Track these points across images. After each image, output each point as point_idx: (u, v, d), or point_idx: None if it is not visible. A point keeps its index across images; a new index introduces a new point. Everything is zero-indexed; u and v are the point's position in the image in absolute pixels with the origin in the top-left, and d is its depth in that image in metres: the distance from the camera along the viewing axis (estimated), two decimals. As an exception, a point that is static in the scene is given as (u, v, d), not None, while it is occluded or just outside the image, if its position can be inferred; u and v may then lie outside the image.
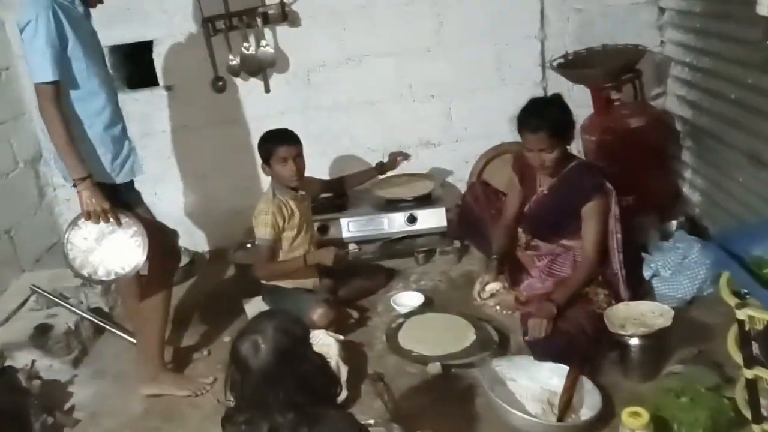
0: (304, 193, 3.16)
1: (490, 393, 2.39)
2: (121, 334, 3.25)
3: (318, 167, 3.87)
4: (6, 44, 3.70)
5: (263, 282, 3.18)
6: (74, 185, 2.44)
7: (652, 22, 3.67)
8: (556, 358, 2.56)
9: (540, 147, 2.76)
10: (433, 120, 3.89)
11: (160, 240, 2.69)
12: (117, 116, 2.62)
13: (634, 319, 2.58)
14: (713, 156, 3.25)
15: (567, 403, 2.39)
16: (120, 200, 2.59)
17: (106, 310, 3.49)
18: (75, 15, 2.44)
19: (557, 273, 2.94)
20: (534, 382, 2.56)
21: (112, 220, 2.49)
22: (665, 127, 3.53)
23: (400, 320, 3.03)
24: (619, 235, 2.81)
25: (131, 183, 2.72)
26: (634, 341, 2.51)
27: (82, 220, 2.50)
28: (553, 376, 2.54)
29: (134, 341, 3.11)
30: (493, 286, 2.95)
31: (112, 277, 2.57)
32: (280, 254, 3.10)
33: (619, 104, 3.48)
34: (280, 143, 3.02)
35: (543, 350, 2.62)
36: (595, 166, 2.85)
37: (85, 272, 2.55)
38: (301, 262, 3.06)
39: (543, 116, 2.77)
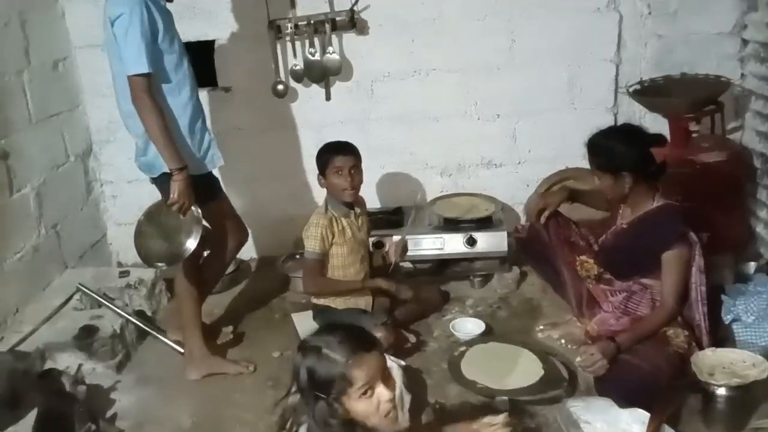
0: (359, 210, 3.04)
1: (570, 437, 2.24)
2: (165, 339, 3.13)
3: (375, 182, 3.77)
4: (65, 34, 3.60)
5: (314, 301, 3.06)
6: (170, 174, 2.52)
7: (734, 54, 3.53)
8: (626, 398, 2.40)
9: (594, 172, 2.70)
10: (496, 140, 3.75)
11: (236, 226, 3.02)
12: (199, 108, 2.71)
13: (723, 367, 2.41)
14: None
15: (650, 451, 2.24)
16: (201, 190, 2.67)
17: (149, 313, 3.38)
18: (163, 8, 2.40)
19: (633, 311, 2.78)
20: (611, 427, 2.40)
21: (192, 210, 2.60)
22: (743, 163, 3.37)
23: (462, 348, 2.88)
24: (703, 288, 2.65)
25: (211, 173, 2.83)
26: (722, 391, 2.34)
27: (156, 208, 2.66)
28: (632, 422, 2.38)
29: (179, 348, 3.00)
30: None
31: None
32: (329, 270, 2.99)
33: (697, 136, 3.33)
34: (337, 153, 2.92)
35: (610, 386, 2.46)
36: (681, 212, 2.67)
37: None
38: (356, 285, 2.96)
39: (597, 143, 2.70)
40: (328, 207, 2.96)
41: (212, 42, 3.64)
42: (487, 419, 1.96)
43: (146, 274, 3.45)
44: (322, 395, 1.56)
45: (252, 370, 2.91)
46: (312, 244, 2.90)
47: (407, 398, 2.49)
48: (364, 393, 1.55)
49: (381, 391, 1.57)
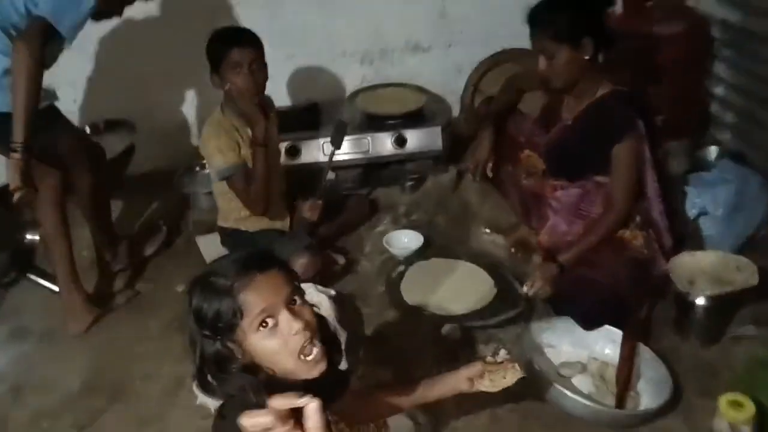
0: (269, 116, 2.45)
1: (536, 367, 1.90)
2: (45, 282, 2.60)
3: (282, 76, 3.20)
4: None
5: (220, 224, 2.57)
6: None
7: None
8: (587, 320, 2.11)
9: (539, 49, 2.24)
10: (423, 19, 3.24)
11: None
12: None
13: (704, 272, 2.12)
14: (758, 66, 2.77)
15: (627, 378, 1.95)
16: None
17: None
18: None
19: (586, 212, 2.40)
20: (578, 349, 2.10)
21: None
22: (702, 34, 3.00)
23: (400, 267, 2.49)
24: (657, 184, 2.32)
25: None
26: (701, 300, 2.06)
27: None
28: (602, 342, 2.09)
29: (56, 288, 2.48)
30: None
31: None
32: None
33: (651, 4, 2.92)
34: (232, 44, 2.31)
35: (568, 309, 2.15)
36: (630, 99, 2.28)
37: None
38: (259, 152, 2.36)
39: (547, 9, 2.23)
40: (225, 114, 2.40)
41: None
42: (489, 359, 1.56)
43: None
44: (213, 336, 1.14)
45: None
46: (225, 160, 2.34)
47: (343, 336, 2.10)
48: (262, 325, 1.13)
49: (285, 319, 1.14)
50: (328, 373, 1.22)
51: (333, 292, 2.29)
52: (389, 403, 1.52)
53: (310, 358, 1.16)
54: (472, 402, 1.94)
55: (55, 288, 2.48)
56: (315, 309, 1.22)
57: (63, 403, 2.14)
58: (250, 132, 2.38)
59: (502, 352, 1.56)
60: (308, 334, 1.15)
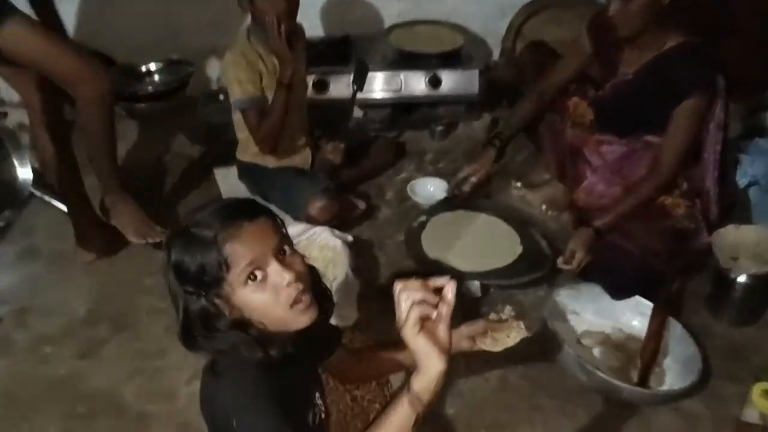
0: (293, 43, 2.25)
1: (555, 333, 1.79)
2: (55, 202, 2.52)
3: (316, 3, 3.04)
4: None
5: (238, 157, 2.45)
6: None
7: None
8: (617, 290, 1.99)
9: None
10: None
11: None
12: None
13: (747, 248, 1.97)
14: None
15: (653, 354, 1.83)
16: None
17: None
18: None
19: (628, 173, 2.25)
20: (603, 318, 1.98)
21: None
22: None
23: (422, 218, 2.36)
24: (719, 147, 2.14)
25: None
26: (743, 279, 1.92)
27: None
28: (630, 314, 1.97)
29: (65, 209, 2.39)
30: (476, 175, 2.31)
31: None
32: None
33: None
34: None
35: (599, 278, 2.03)
36: (706, 51, 2.07)
37: None
38: (281, 92, 2.21)
39: None
40: (251, 40, 2.25)
41: None
42: (492, 317, 1.43)
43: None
44: (197, 293, 1.03)
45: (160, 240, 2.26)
46: (239, 91, 2.22)
47: (355, 285, 2.01)
48: (251, 277, 1.03)
49: (275, 271, 1.04)
50: (320, 327, 1.13)
51: (350, 238, 2.18)
52: (387, 361, 1.41)
53: (301, 306, 1.06)
54: (481, 363, 1.86)
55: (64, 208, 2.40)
56: (305, 259, 1.10)
57: (66, 329, 2.09)
58: (275, 61, 2.23)
59: (507, 309, 1.42)
60: (300, 286, 1.05)
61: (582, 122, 2.34)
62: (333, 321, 1.84)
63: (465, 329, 1.37)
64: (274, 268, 1.04)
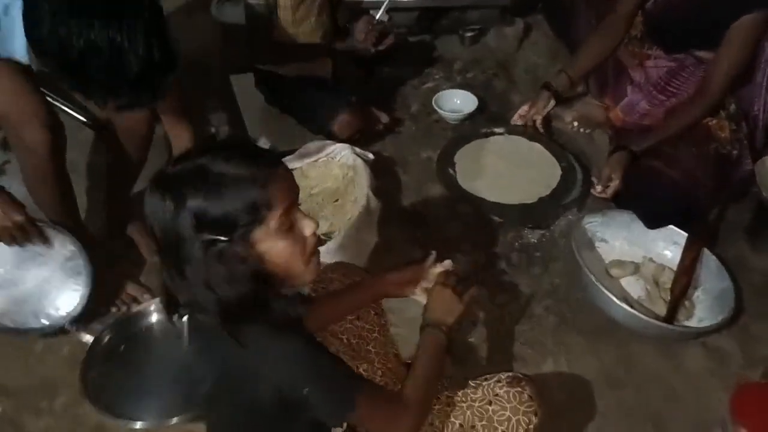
0: None
1: (587, 274, 1.70)
2: (75, 113, 2.42)
3: None
4: None
5: (255, 66, 2.32)
6: None
7: None
8: (654, 218, 1.88)
9: None
10: None
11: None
12: None
13: (794, 180, 1.85)
14: None
15: (684, 288, 1.74)
16: None
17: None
18: None
19: (675, 91, 2.10)
20: (633, 246, 1.89)
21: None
22: None
23: (452, 138, 2.24)
24: None
25: None
26: (785, 210, 1.81)
27: None
28: (663, 243, 1.87)
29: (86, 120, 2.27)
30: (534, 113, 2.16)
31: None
32: (283, 29, 2.18)
33: None
34: None
35: (635, 204, 1.90)
36: None
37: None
38: (320, 53, 2.18)
39: None
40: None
41: None
42: (433, 269, 1.37)
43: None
44: (222, 237, 0.93)
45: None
46: None
47: (377, 206, 1.93)
48: (282, 224, 0.96)
49: (301, 219, 0.99)
50: None
51: (371, 156, 2.08)
52: (348, 304, 1.37)
53: (314, 260, 1.01)
54: (507, 296, 1.80)
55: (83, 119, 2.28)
56: None
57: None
58: None
59: (431, 258, 1.36)
60: (316, 237, 0.99)
61: (633, 35, 2.17)
62: (353, 245, 1.80)
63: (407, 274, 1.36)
64: (300, 215, 0.99)
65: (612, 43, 2.10)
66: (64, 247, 1.71)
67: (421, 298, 1.32)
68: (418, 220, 2.02)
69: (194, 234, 0.93)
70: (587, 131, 2.32)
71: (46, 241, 1.68)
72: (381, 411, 1.07)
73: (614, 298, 1.65)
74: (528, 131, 2.19)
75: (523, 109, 2.22)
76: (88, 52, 1.21)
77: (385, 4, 2.33)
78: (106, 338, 1.67)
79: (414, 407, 1.10)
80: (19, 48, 1.39)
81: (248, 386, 1.01)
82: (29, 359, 1.70)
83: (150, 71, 1.26)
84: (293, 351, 0.99)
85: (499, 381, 1.22)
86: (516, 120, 2.24)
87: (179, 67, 1.34)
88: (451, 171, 2.12)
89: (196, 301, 0.97)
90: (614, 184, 1.90)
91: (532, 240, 1.97)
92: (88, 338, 1.68)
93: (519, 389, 1.20)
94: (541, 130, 2.21)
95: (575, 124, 2.33)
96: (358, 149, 2.06)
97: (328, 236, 1.80)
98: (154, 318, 1.73)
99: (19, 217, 1.58)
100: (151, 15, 1.26)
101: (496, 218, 2.00)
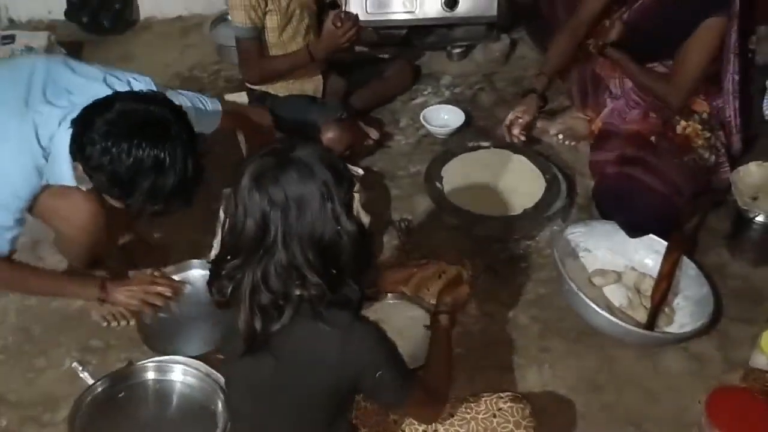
0: None
1: (569, 283, 1.76)
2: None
3: None
4: None
5: (249, 86, 2.38)
6: None
7: None
8: (637, 227, 1.94)
9: None
10: None
11: None
12: None
13: (768, 187, 1.91)
14: None
15: (664, 295, 1.80)
16: None
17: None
18: None
19: (650, 100, 2.17)
20: (616, 256, 1.95)
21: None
22: None
23: (440, 152, 2.32)
24: (737, 77, 2.06)
25: None
26: (762, 218, 1.87)
27: None
28: (644, 252, 1.93)
29: None
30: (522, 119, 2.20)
31: None
32: (270, 49, 2.25)
33: None
34: None
35: (618, 214, 1.97)
36: None
37: None
38: (303, 57, 2.23)
39: None
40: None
41: None
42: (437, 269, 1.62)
43: (37, 40, 2.71)
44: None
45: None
46: (240, 17, 2.14)
47: (366, 220, 1.99)
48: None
49: None
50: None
51: (361, 171, 2.15)
52: None
53: None
54: (494, 305, 1.86)
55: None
56: None
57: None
58: None
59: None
60: None
61: (605, 43, 2.24)
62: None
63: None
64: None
65: (573, 42, 2.25)
66: None
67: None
68: (407, 231, 2.08)
69: (297, 219, 1.03)
70: (572, 143, 2.38)
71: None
72: (423, 398, 1.20)
73: (596, 307, 1.70)
74: (517, 141, 2.22)
75: (515, 114, 2.23)
76: (136, 168, 1.39)
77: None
78: (100, 388, 1.66)
79: (443, 393, 1.25)
80: (66, 173, 1.55)
81: (308, 379, 1.10)
82: (28, 374, 1.75)
83: (185, 184, 1.44)
84: (376, 336, 1.12)
85: (500, 397, 1.35)
86: (507, 125, 2.22)
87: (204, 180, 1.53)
88: (438, 185, 2.17)
89: (286, 293, 1.06)
90: (520, 124, 2.13)
91: (518, 251, 2.03)
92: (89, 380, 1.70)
93: (521, 405, 1.33)
94: (524, 138, 2.23)
95: (560, 137, 2.39)
96: (348, 165, 2.12)
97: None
98: (151, 376, 1.71)
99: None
100: (188, 136, 1.43)
101: (481, 231, 2.06)
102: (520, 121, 2.21)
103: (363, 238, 1.09)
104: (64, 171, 1.55)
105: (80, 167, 1.46)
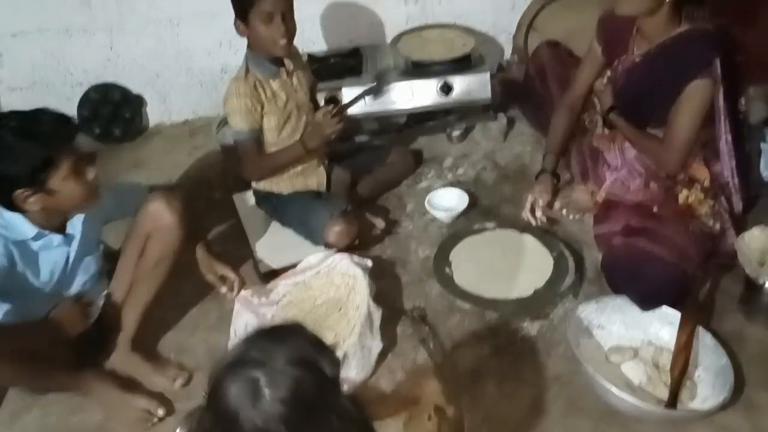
0: (291, 65, 2.28)
1: (585, 366, 1.75)
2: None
3: (318, 16, 3.02)
4: None
5: (254, 186, 2.45)
6: None
7: None
8: (648, 300, 1.93)
9: None
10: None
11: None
12: None
13: (777, 252, 1.91)
14: None
15: (683, 369, 1.78)
16: None
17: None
18: None
19: (650, 167, 2.21)
20: (630, 329, 1.94)
21: None
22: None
23: (447, 236, 2.35)
24: (730, 137, 2.09)
25: None
26: (771, 283, 1.86)
27: None
28: (658, 324, 1.92)
29: None
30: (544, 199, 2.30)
31: None
32: (269, 148, 2.32)
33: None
34: None
35: (628, 288, 1.97)
36: (710, 34, 2.01)
37: None
38: (298, 150, 2.29)
39: None
40: (249, 68, 2.22)
41: None
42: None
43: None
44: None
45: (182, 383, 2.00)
46: (238, 122, 2.21)
47: (377, 316, 1.99)
48: None
49: None
50: None
51: (369, 263, 2.16)
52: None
53: None
54: (513, 384, 1.85)
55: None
56: None
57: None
58: (274, 87, 2.24)
59: None
60: None
61: (596, 116, 2.35)
62: (358, 352, 1.88)
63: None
64: None
65: (572, 117, 2.39)
66: None
67: None
68: (421, 319, 2.09)
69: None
70: (576, 217, 2.40)
71: None
72: None
73: (614, 390, 1.68)
74: (541, 224, 2.30)
75: (534, 196, 2.30)
76: None
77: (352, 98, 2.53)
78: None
79: None
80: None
81: None
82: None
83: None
84: None
85: None
86: (529, 209, 2.30)
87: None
88: (447, 270, 2.19)
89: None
90: (541, 206, 2.18)
91: (532, 332, 2.02)
92: None
93: None
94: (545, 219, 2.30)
95: (564, 211, 2.41)
96: (356, 257, 2.16)
97: (333, 348, 1.87)
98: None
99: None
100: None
101: (494, 314, 2.06)
102: (541, 202, 2.27)
103: None
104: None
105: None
